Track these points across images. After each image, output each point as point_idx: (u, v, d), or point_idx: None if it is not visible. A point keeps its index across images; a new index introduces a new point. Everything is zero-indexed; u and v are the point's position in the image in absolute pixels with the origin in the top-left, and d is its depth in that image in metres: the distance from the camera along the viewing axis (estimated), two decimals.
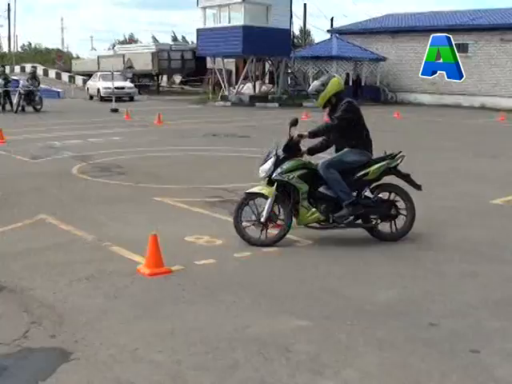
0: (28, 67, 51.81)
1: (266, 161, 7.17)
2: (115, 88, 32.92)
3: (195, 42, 42.61)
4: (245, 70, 38.50)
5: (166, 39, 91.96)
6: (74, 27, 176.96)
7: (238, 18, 36.13)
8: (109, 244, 6.95)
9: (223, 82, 38.72)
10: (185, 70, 51.38)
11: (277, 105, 36.00)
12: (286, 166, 7.06)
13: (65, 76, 57.05)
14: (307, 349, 4.41)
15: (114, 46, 74.52)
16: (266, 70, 40.92)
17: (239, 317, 4.98)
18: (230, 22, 36.54)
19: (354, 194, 7.21)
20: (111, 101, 30.94)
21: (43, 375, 4.04)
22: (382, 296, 5.50)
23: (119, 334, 4.64)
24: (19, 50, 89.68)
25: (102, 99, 37.73)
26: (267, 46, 35.04)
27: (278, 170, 7.04)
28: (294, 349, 4.40)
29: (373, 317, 5.00)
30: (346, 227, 7.25)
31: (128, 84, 40.56)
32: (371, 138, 7.40)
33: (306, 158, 7.49)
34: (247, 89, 40.17)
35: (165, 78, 57.95)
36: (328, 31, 48.45)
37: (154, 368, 4.12)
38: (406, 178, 7.43)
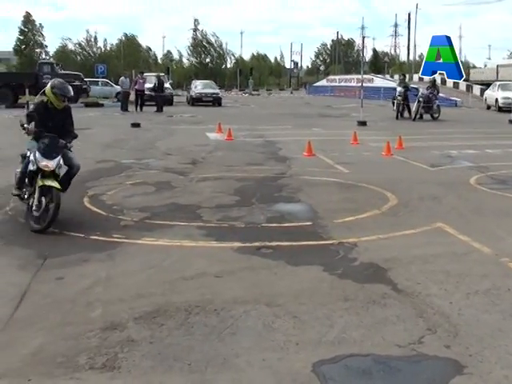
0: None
1: (53, 157, 8.14)
2: None
3: None
4: None
5: None
6: (471, 36, 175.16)
7: None
8: (507, 260, 6.67)
9: None
10: None
11: None
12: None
13: (462, 85, 56.69)
14: None
15: None
16: None
17: None
18: None
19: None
20: (510, 111, 29.90)
21: None
22: None
23: None
24: (417, 58, 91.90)
25: (500, 110, 36.65)
26: None
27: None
28: None
29: None
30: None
31: None
32: None
33: None
34: None
35: None
36: None
37: None
38: None
